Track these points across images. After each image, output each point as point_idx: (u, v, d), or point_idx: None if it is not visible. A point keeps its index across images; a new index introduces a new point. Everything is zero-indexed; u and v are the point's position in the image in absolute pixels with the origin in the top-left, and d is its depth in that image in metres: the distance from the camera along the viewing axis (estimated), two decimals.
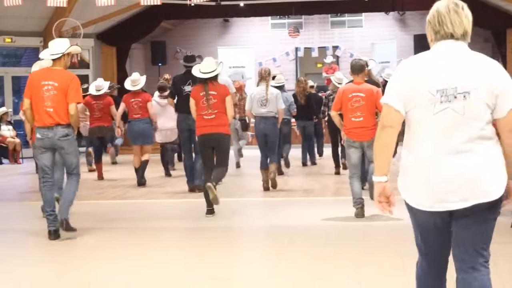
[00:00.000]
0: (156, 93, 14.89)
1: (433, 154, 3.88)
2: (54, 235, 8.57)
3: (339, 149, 14.63)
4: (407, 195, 4.03)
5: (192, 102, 10.17)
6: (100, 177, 15.22)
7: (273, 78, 14.37)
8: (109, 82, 16.56)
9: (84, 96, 13.05)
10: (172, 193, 12.61)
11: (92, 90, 15.16)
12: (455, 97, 3.84)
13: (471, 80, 3.82)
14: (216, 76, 10.22)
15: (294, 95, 15.95)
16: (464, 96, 3.83)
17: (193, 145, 12.24)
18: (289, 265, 7.02)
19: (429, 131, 3.90)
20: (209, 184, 9.63)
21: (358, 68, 9.81)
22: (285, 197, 11.88)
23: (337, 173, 14.75)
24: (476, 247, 3.94)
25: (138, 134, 13.84)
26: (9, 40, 22.54)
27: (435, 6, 4.03)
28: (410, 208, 4.07)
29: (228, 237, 8.76)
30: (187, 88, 12.12)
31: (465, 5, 3.98)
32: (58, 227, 8.60)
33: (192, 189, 12.42)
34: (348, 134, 9.72)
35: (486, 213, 3.90)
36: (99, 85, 15.16)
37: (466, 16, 3.97)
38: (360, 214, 9.47)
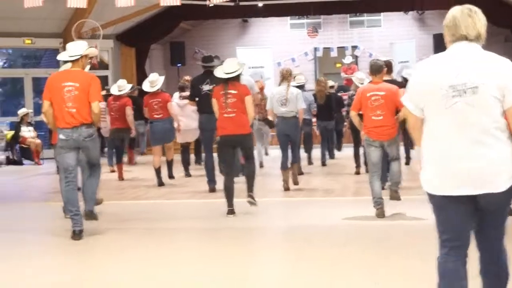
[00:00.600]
0: (177, 94, 14.98)
1: (450, 145, 4.22)
2: (78, 235, 8.65)
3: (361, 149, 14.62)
4: (428, 184, 4.36)
5: (214, 102, 10.25)
6: (121, 177, 15.27)
7: (294, 78, 14.43)
8: (131, 85, 16.67)
9: (105, 97, 13.14)
10: (192, 193, 12.64)
11: (113, 91, 15.25)
12: (465, 92, 4.17)
13: (480, 76, 4.15)
14: (238, 76, 10.26)
15: (314, 95, 16.00)
16: (473, 91, 4.15)
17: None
18: (308, 266, 7.01)
19: (444, 124, 4.25)
20: (249, 199, 10.05)
21: (376, 69, 9.82)
22: (305, 197, 11.88)
23: (357, 173, 14.73)
24: (494, 231, 4.35)
25: (160, 134, 13.92)
26: (29, 41, 22.67)
27: (451, 12, 4.39)
28: (432, 196, 4.37)
29: (248, 238, 8.77)
30: (205, 87, 12.21)
31: (478, 10, 4.34)
32: (82, 228, 8.70)
33: (212, 190, 12.46)
34: (368, 133, 9.71)
35: (502, 198, 4.23)
36: (121, 86, 15.26)
37: (480, 20, 4.33)
38: (380, 214, 9.45)
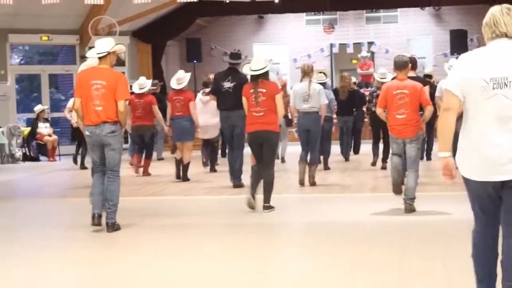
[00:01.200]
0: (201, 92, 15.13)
1: (486, 133, 4.56)
2: (110, 227, 8.78)
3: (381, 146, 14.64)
4: (464, 169, 4.73)
5: (243, 100, 10.24)
6: (138, 171, 15.41)
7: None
8: (151, 80, 16.71)
9: None
10: (210, 189, 12.64)
11: (135, 89, 15.28)
12: (506, 85, 4.51)
13: None
14: (267, 73, 10.20)
15: (335, 91, 16.12)
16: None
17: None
18: (326, 262, 7.00)
19: (483, 113, 4.58)
20: (264, 211, 9.93)
21: (401, 65, 9.77)
22: (322, 194, 11.86)
23: (373, 163, 14.75)
24: None
25: (179, 131, 13.95)
26: (46, 38, 22.75)
27: (491, 10, 4.72)
28: (466, 180, 4.75)
29: (265, 234, 8.76)
30: (226, 84, 12.27)
31: None
32: (101, 212, 8.80)
33: (235, 186, 12.56)
34: (391, 130, 9.72)
35: None
36: (142, 83, 15.28)
37: None
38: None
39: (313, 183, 12.59)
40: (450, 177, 4.79)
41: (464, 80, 4.65)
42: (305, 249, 7.86)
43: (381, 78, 14.09)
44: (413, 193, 9.48)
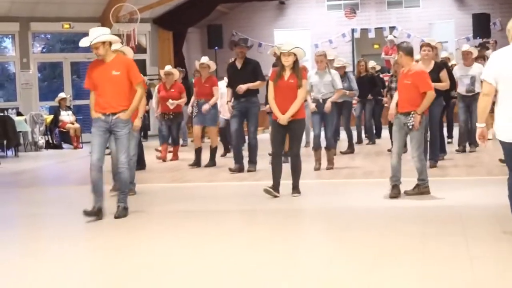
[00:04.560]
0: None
1: None
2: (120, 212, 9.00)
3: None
4: (499, 133, 6.71)
5: (270, 84, 10.23)
6: (164, 158, 15.60)
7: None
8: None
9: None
10: (232, 176, 12.61)
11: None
12: None
13: None
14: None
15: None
16: None
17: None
18: (350, 248, 6.98)
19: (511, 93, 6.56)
20: (294, 195, 10.02)
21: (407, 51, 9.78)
22: (344, 179, 11.85)
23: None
24: None
25: (200, 113, 14.05)
26: (68, 26, 22.82)
27: None
28: (502, 142, 6.71)
29: (289, 220, 8.74)
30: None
31: None
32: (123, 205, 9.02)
33: (236, 169, 12.84)
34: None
35: None
36: (168, 71, 15.55)
37: None
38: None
39: (330, 167, 12.75)
40: (483, 141, 6.75)
41: (497, 71, 6.59)
42: (329, 235, 7.84)
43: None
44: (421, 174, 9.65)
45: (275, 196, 9.89)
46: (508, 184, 6.72)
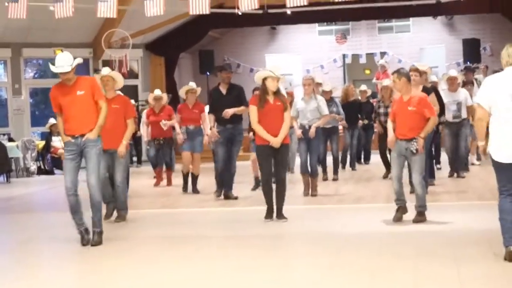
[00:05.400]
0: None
1: (508, 130, 6.94)
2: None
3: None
4: (493, 154, 7.07)
5: (253, 109, 10.24)
6: (159, 182, 15.63)
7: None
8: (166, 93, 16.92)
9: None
10: (223, 202, 12.57)
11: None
12: None
13: None
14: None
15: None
16: None
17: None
18: (341, 273, 6.98)
19: (504, 117, 6.96)
20: (279, 220, 10.04)
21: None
22: (336, 204, 11.85)
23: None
24: None
25: (188, 140, 14.04)
26: (60, 51, 22.68)
27: (506, 47, 7.11)
28: (495, 162, 7.11)
29: (279, 245, 8.77)
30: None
31: None
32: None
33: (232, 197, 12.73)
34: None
35: None
36: (158, 96, 15.61)
37: None
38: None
39: (313, 194, 12.69)
40: (485, 156, 7.33)
41: (490, 95, 7.04)
42: (320, 260, 7.82)
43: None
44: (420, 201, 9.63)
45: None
46: (498, 202, 7.11)
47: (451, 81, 14.48)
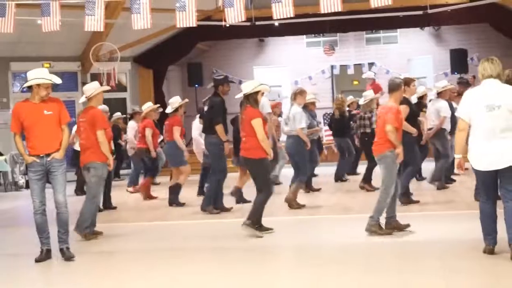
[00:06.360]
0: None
1: (485, 139, 7.53)
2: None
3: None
4: (473, 162, 7.66)
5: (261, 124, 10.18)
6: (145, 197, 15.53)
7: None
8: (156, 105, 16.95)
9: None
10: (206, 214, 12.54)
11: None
12: (493, 109, 7.52)
13: (500, 99, 7.55)
14: (251, 97, 10.12)
15: (333, 112, 16.41)
16: (498, 108, 7.52)
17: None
18: (328, 285, 6.99)
19: (482, 127, 7.56)
20: (242, 226, 9.90)
21: (390, 88, 9.84)
22: (324, 215, 11.88)
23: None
24: (510, 188, 7.56)
25: (166, 156, 14.19)
26: (48, 65, 22.74)
27: (482, 61, 7.83)
28: (475, 170, 7.70)
29: (267, 257, 8.76)
30: (205, 108, 13.11)
31: (496, 59, 7.78)
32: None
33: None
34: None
35: None
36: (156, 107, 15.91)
37: (499, 65, 7.72)
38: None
39: (290, 203, 12.56)
40: (461, 170, 7.74)
41: (469, 107, 7.64)
42: (309, 272, 7.84)
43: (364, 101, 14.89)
44: (381, 211, 9.54)
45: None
46: (479, 206, 7.82)
47: (450, 92, 14.66)
